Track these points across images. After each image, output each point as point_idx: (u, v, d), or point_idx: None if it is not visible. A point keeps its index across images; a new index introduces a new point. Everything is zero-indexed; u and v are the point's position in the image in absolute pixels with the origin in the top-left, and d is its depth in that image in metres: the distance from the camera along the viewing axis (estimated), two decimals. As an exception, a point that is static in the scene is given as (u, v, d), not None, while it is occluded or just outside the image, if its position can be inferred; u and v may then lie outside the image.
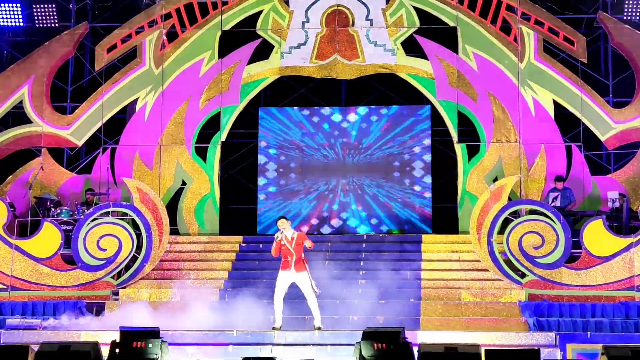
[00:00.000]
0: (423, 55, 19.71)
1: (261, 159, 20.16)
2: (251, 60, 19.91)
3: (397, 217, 19.64)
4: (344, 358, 13.10)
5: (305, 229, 19.30)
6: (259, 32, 20.02)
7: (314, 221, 19.69)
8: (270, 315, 15.60)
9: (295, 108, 20.38)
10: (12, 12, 20.25)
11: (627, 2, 19.54)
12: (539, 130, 19.19)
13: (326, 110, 20.25)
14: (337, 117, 20.18)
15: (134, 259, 17.70)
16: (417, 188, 19.74)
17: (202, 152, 19.68)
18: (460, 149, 19.36)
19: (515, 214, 17.81)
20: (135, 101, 19.85)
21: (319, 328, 14.40)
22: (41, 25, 20.38)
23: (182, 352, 13.48)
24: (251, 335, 14.05)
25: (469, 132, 19.61)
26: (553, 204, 17.86)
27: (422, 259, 17.98)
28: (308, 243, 14.41)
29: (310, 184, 19.97)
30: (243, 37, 20.06)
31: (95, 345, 11.93)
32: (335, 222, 19.74)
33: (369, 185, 19.84)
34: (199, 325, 15.75)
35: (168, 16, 19.97)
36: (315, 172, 20.02)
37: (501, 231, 17.36)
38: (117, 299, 17.15)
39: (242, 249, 18.57)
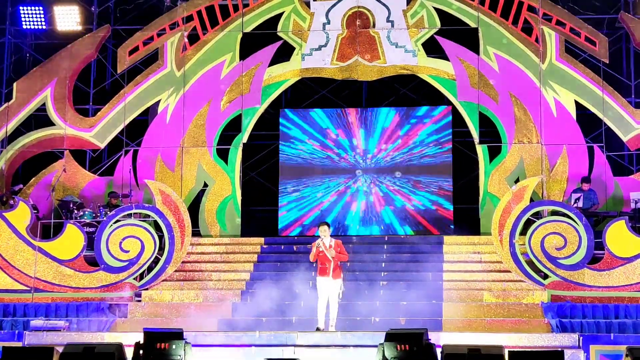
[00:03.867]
0: (444, 56, 19.69)
1: (282, 160, 20.18)
2: (272, 62, 19.95)
3: (419, 218, 19.62)
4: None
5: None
6: (280, 34, 20.05)
7: (336, 223, 19.68)
8: (293, 317, 15.74)
9: (316, 109, 20.40)
10: (34, 15, 20.37)
11: (649, 2, 19.51)
12: (560, 131, 19.14)
13: (347, 112, 20.25)
14: (357, 118, 20.18)
15: (156, 261, 17.77)
16: (438, 189, 19.72)
17: (223, 154, 19.72)
18: (481, 150, 19.32)
19: (537, 215, 17.77)
20: (157, 103, 19.92)
21: (327, 330, 14.64)
22: (63, 28, 20.50)
23: (206, 354, 13.54)
24: (274, 337, 14.08)
25: (490, 133, 19.57)
26: (575, 205, 17.81)
27: (443, 260, 17.96)
28: (339, 256, 14.87)
29: (332, 185, 19.97)
30: (264, 39, 20.10)
31: (119, 347, 12.03)
32: (357, 224, 19.74)
33: (390, 186, 19.83)
34: (222, 326, 15.83)
35: (189, 18, 20.03)
36: (337, 173, 20.03)
37: (523, 232, 17.34)
38: (139, 301, 17.22)
39: (263, 251, 18.61)
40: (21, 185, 19.72)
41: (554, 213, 17.65)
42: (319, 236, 15.06)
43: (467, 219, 19.52)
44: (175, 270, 17.85)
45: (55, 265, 17.62)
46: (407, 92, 20.77)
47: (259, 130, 20.21)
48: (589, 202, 18.18)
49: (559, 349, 12.32)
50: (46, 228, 18.68)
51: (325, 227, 15.05)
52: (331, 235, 15.19)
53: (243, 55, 19.97)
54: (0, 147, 19.75)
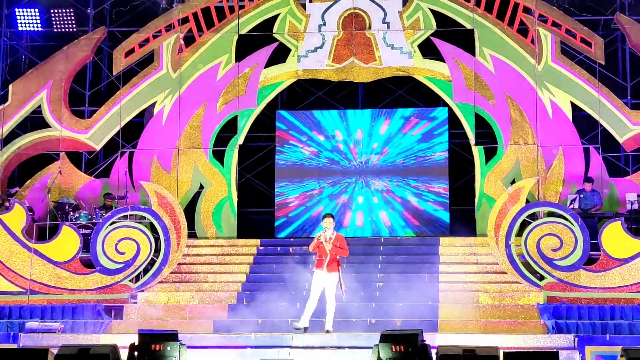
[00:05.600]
0: (440, 58, 19.69)
1: (278, 162, 20.16)
2: (268, 64, 19.95)
3: (415, 220, 19.61)
4: (362, 361, 13.13)
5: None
6: (276, 36, 20.06)
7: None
8: (289, 319, 15.68)
9: (311, 111, 20.38)
10: (30, 17, 20.38)
11: (645, 3, 19.52)
12: (556, 132, 19.14)
13: (342, 113, 20.23)
14: (353, 120, 20.16)
15: (152, 263, 17.75)
16: (434, 190, 19.70)
17: (219, 156, 19.72)
18: (477, 152, 19.33)
19: (533, 217, 17.76)
20: (153, 105, 19.91)
21: (328, 331, 14.42)
22: (59, 30, 20.50)
23: (201, 355, 13.52)
24: (269, 338, 14.08)
25: (486, 135, 19.58)
26: (571, 207, 17.80)
27: (439, 261, 17.95)
28: (337, 250, 14.50)
29: (328, 187, 19.95)
30: (260, 41, 20.10)
31: (114, 348, 12.01)
32: (353, 225, 19.72)
33: (386, 188, 19.81)
34: (218, 328, 15.81)
35: (185, 20, 20.04)
36: (333, 175, 20.02)
37: (519, 234, 17.33)
38: (135, 302, 17.20)
39: (259, 252, 18.59)
40: (17, 188, 19.70)
41: (550, 214, 17.64)
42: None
43: (463, 220, 19.48)
44: (171, 272, 17.83)
45: (50, 267, 17.60)
46: (403, 93, 20.75)
47: (255, 132, 20.20)
48: (590, 203, 18.16)
49: (554, 350, 12.31)
50: (42, 230, 18.67)
51: (330, 219, 14.73)
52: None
53: (239, 57, 19.97)
54: (-4, 149, 19.79)
